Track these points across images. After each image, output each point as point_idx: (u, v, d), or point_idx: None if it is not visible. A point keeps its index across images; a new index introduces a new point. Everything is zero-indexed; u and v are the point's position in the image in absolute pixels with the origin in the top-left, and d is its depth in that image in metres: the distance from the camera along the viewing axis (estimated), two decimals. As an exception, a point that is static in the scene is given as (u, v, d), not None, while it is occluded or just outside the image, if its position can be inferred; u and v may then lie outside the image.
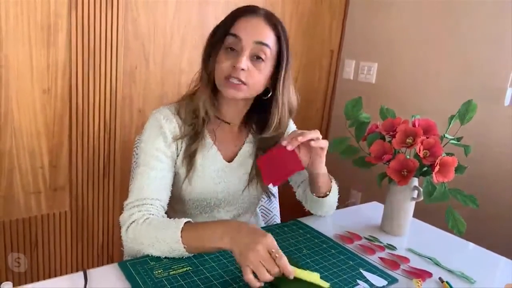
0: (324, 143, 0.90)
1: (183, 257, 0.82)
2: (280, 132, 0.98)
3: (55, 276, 0.77)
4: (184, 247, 0.79)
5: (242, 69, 0.86)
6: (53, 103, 1.58)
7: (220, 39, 0.89)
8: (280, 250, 0.71)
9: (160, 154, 0.91)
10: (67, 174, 1.69)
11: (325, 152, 0.92)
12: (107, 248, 1.88)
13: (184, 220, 0.82)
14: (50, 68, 1.54)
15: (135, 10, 1.69)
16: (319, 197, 1.02)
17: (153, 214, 0.86)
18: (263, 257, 0.69)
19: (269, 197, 1.11)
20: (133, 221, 0.84)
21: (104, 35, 1.63)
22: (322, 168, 0.95)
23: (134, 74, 1.75)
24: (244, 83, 0.87)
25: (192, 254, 0.82)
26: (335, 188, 1.05)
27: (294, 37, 2.20)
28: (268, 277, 0.68)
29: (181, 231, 0.79)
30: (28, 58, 1.49)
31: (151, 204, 0.87)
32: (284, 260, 0.69)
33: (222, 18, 0.94)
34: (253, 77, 0.88)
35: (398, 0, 2.08)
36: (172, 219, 0.84)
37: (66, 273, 0.80)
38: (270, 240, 0.71)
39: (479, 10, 1.76)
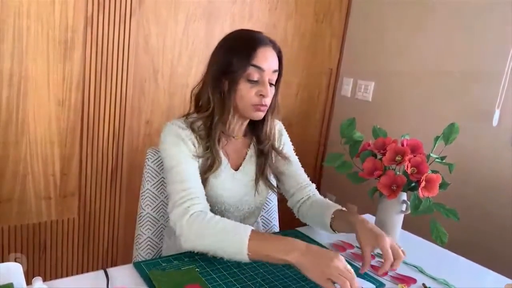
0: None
1: (241, 261, 0.86)
2: (270, 136, 1.10)
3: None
4: (248, 254, 0.84)
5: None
6: (66, 114, 1.67)
7: (242, 69, 0.97)
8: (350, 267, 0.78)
9: (186, 155, 0.98)
10: (77, 181, 1.77)
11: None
12: (111, 253, 1.95)
13: (251, 227, 0.87)
14: (65, 81, 1.64)
15: (146, 27, 1.79)
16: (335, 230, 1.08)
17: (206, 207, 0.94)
18: (341, 270, 0.76)
19: (274, 192, 1.20)
20: (194, 213, 0.90)
21: (116, 50, 1.72)
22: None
23: (143, 87, 1.85)
24: (266, 106, 1.02)
25: (250, 261, 0.85)
26: None
27: (296, 55, 2.30)
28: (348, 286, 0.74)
29: (249, 240, 0.84)
30: (46, 72, 1.58)
31: (198, 197, 0.93)
32: (354, 278, 0.76)
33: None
34: (270, 99, 1.03)
35: (394, 24, 2.19)
36: (238, 223, 0.89)
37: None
38: (342, 258, 0.79)
39: (470, 36, 1.87)
